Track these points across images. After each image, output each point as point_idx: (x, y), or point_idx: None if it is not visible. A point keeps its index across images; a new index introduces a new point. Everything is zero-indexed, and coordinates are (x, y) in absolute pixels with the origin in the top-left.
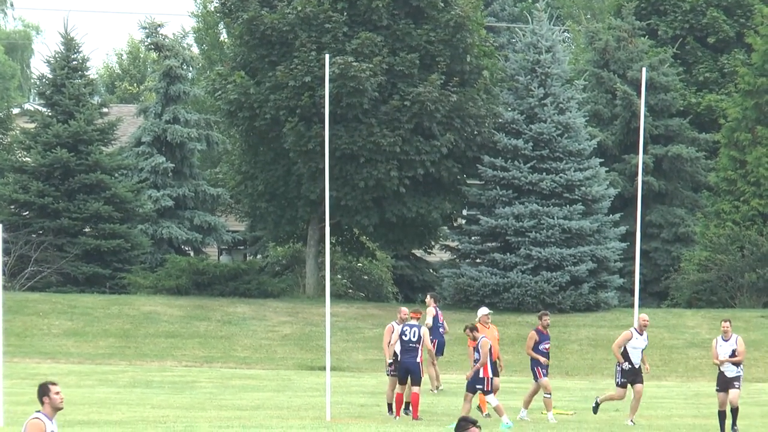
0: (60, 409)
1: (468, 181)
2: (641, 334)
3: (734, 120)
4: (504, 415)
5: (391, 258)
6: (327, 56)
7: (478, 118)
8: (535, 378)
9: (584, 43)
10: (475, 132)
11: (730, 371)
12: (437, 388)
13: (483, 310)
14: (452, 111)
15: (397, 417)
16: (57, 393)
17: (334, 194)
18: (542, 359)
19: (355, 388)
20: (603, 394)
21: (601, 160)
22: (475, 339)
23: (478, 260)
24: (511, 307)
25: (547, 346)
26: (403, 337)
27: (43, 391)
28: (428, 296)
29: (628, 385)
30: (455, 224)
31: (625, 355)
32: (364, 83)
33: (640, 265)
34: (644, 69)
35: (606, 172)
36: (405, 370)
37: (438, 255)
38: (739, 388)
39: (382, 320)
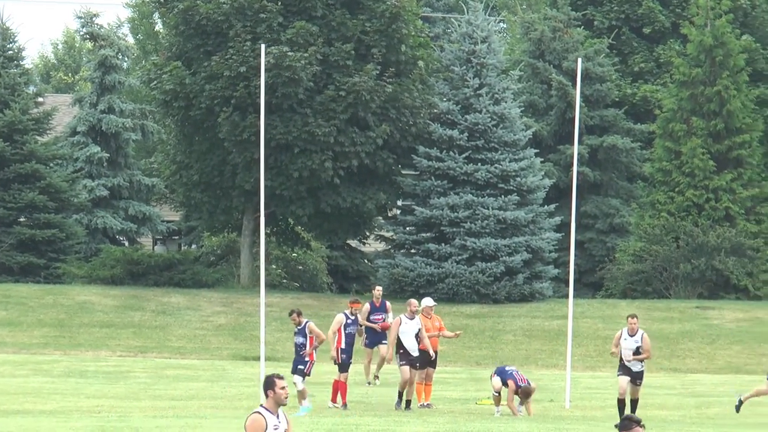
0: (284, 404)
1: (403, 172)
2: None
3: (669, 110)
4: (305, 400)
5: (325, 248)
6: (262, 46)
7: (414, 109)
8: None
9: (520, 34)
10: (411, 122)
11: (634, 366)
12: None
13: (427, 301)
14: (387, 101)
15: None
16: (282, 387)
17: (268, 184)
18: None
19: (289, 378)
20: (747, 393)
21: (536, 150)
22: (299, 324)
23: (412, 250)
24: (445, 297)
25: None
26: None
27: (269, 384)
28: (377, 288)
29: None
30: (390, 214)
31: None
32: (299, 73)
33: (575, 255)
34: (579, 59)
35: (541, 162)
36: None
37: (373, 245)
38: (640, 385)
39: (316, 310)
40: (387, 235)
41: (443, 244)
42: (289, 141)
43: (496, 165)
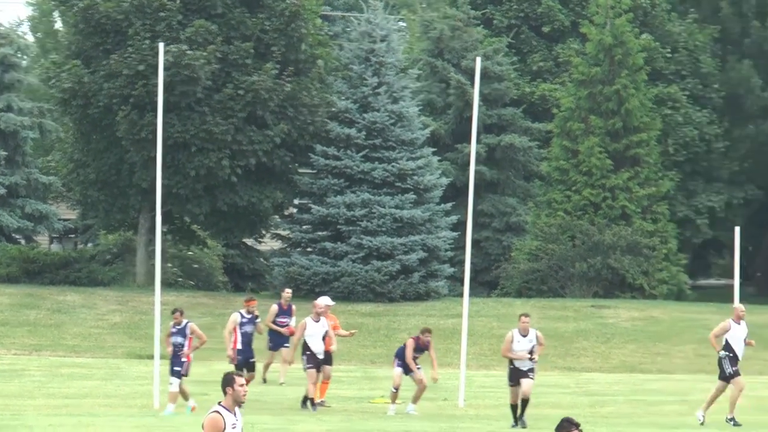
0: (242, 402)
1: (300, 170)
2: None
3: (567, 109)
4: (171, 404)
5: (221, 246)
6: (161, 45)
7: (312, 108)
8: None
9: (419, 33)
10: (308, 121)
11: (524, 364)
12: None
13: (325, 300)
14: (286, 100)
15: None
16: (241, 385)
17: (165, 183)
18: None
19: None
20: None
21: (434, 149)
22: (180, 323)
23: (308, 249)
24: (341, 296)
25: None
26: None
27: (227, 381)
28: (287, 291)
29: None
30: (286, 213)
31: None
32: (198, 72)
33: (471, 254)
34: (478, 58)
35: (438, 161)
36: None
37: (269, 244)
38: (533, 378)
39: (211, 309)
40: (283, 233)
41: (339, 243)
42: (186, 139)
43: (393, 164)
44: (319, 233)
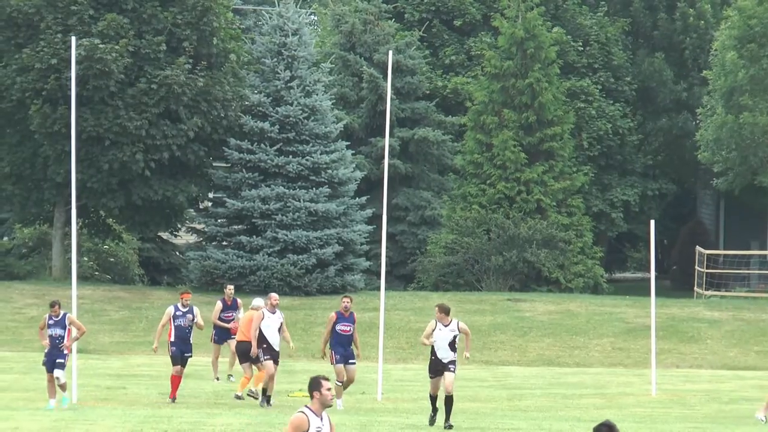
0: (329, 406)
1: (214, 164)
2: None
3: (481, 103)
4: (65, 392)
5: (137, 240)
6: (73, 38)
7: (225, 102)
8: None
9: (331, 26)
10: (222, 115)
11: (446, 357)
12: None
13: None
14: (199, 95)
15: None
16: (328, 389)
17: (80, 176)
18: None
19: (101, 370)
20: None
21: (348, 143)
22: (57, 315)
23: (224, 243)
24: (257, 289)
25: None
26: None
27: (315, 385)
28: (229, 287)
29: None
30: (201, 207)
31: None
32: (111, 66)
33: (387, 248)
34: (390, 52)
35: (352, 155)
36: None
37: (184, 237)
38: (454, 371)
39: (127, 302)
40: (198, 227)
41: (255, 237)
42: (100, 133)
43: (307, 157)
44: (235, 227)
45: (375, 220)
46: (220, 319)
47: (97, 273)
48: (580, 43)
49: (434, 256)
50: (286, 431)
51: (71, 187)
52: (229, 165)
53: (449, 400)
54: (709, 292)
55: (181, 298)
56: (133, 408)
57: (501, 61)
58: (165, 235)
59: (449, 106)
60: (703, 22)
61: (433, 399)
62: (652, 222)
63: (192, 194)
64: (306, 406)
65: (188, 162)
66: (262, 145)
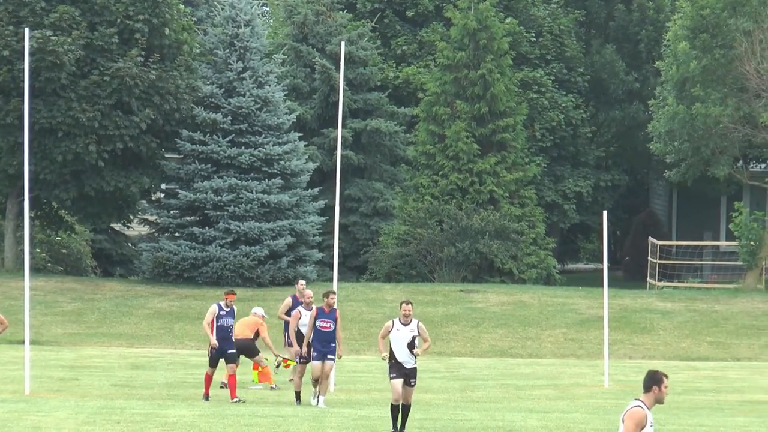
0: (662, 404)
1: (167, 156)
2: None
3: (433, 94)
4: None
5: (89, 232)
6: (26, 30)
7: (178, 94)
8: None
9: (283, 17)
10: (174, 107)
11: (407, 362)
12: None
13: (257, 310)
14: (151, 86)
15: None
16: (666, 387)
17: (32, 168)
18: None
19: (53, 362)
20: None
21: (300, 134)
22: None
23: (176, 234)
24: (209, 281)
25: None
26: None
27: (656, 380)
28: (300, 283)
29: None
30: (154, 198)
31: None
32: (63, 58)
33: (339, 239)
34: (343, 43)
35: (305, 146)
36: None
37: (137, 229)
38: (414, 386)
39: (80, 294)
40: (151, 218)
41: (207, 228)
42: (53, 125)
43: (259, 148)
44: (187, 218)
45: (327, 211)
46: (287, 315)
47: (49, 264)
48: (533, 34)
49: (387, 247)
50: (627, 427)
51: (24, 179)
52: (181, 156)
53: (406, 410)
54: (662, 283)
55: (226, 298)
56: (86, 399)
57: (453, 52)
58: (117, 227)
59: (401, 97)
60: (662, 15)
61: (395, 410)
62: (605, 213)
63: (144, 186)
64: (640, 400)
65: (141, 153)
66: (215, 137)
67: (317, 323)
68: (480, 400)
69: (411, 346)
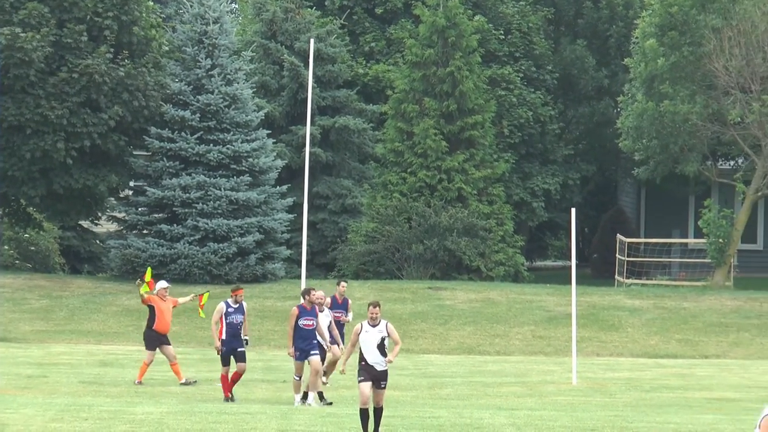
0: None
1: (135, 153)
2: None
3: (402, 91)
4: None
5: (58, 229)
6: None
7: (146, 91)
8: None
9: (252, 14)
10: (143, 104)
11: (378, 364)
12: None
13: (161, 284)
14: (120, 84)
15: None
16: None
17: (1, 165)
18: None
19: (22, 359)
20: None
21: (269, 131)
22: None
23: (144, 231)
24: (178, 278)
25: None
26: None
27: None
28: (342, 285)
29: None
30: (122, 195)
31: None
32: (32, 55)
33: (307, 236)
34: (312, 40)
35: (273, 143)
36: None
37: (105, 226)
38: (384, 388)
39: (48, 291)
40: (119, 216)
41: (175, 225)
42: (21, 122)
43: (228, 146)
44: (155, 215)
45: (296, 208)
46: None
47: (17, 262)
48: (502, 32)
49: (355, 244)
50: None
51: None
52: (149, 154)
53: (379, 411)
54: (630, 281)
55: (233, 295)
56: (54, 396)
57: (422, 50)
58: (86, 224)
59: (370, 94)
60: (632, 12)
61: (365, 415)
62: (573, 210)
63: (113, 183)
64: None
65: (109, 151)
66: (183, 134)
67: (300, 321)
68: (448, 398)
69: (381, 347)
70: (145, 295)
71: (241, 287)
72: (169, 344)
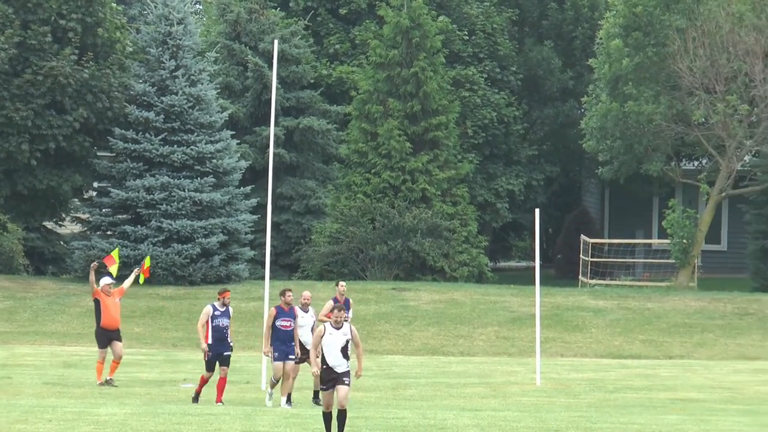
0: None
1: (99, 154)
2: None
3: (365, 92)
4: None
5: (22, 230)
6: None
7: (110, 92)
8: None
9: (216, 15)
10: (107, 106)
11: (340, 366)
12: None
13: (105, 280)
14: (84, 85)
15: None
16: None
17: None
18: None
19: None
20: None
21: (233, 132)
22: None
23: (108, 232)
24: None
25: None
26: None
27: None
28: (341, 284)
29: None
30: (86, 196)
31: None
32: None
33: (271, 237)
34: (276, 41)
35: (237, 144)
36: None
37: (69, 227)
38: (348, 384)
39: (12, 292)
40: (83, 217)
41: (139, 226)
42: None
43: (192, 147)
44: (119, 216)
45: (260, 209)
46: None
47: None
48: (466, 33)
49: (319, 245)
50: None
51: None
52: (114, 155)
53: (342, 415)
54: (594, 281)
55: (220, 297)
56: (18, 398)
57: (386, 50)
58: (50, 225)
59: (334, 95)
60: (597, 13)
61: (328, 418)
62: (537, 211)
63: (77, 184)
64: None
65: (74, 152)
66: (147, 135)
67: (277, 323)
68: (412, 399)
69: (344, 350)
70: (95, 287)
71: (228, 290)
72: (120, 341)
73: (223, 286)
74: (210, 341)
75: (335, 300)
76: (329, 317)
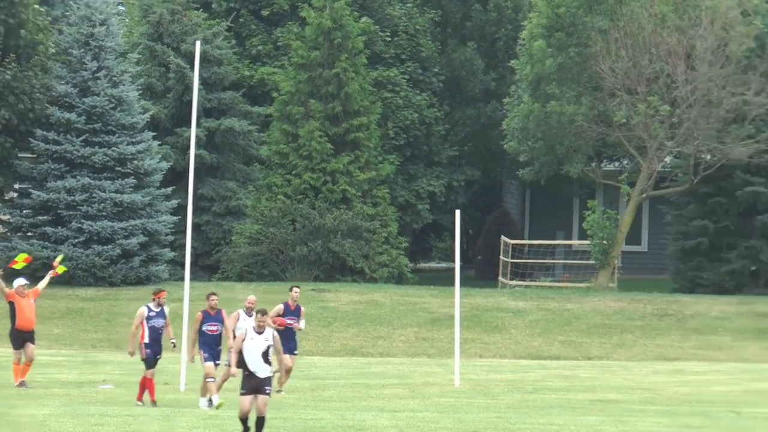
0: None
1: (20, 155)
2: None
3: (287, 93)
4: None
5: None
6: None
7: (32, 93)
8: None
9: (139, 16)
10: (29, 107)
11: (262, 371)
12: None
13: (19, 281)
14: (6, 87)
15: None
16: None
17: None
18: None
19: None
20: None
21: (154, 133)
22: None
23: (29, 234)
24: (61, 280)
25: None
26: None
27: None
28: (295, 290)
29: None
30: (7, 198)
31: None
32: None
33: (192, 238)
34: (198, 42)
35: (159, 145)
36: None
37: None
38: (269, 393)
39: None
40: (4, 218)
41: (60, 227)
42: None
43: (113, 148)
44: (40, 218)
45: (180, 210)
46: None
47: None
48: (388, 34)
49: (239, 246)
50: None
51: None
52: (35, 156)
53: (261, 422)
54: (514, 282)
55: (155, 298)
56: None
57: (308, 51)
58: None
59: (256, 96)
60: (520, 15)
61: (244, 422)
62: (458, 212)
63: None
64: None
65: None
66: (69, 136)
67: (204, 327)
68: (331, 399)
69: (265, 355)
70: (7, 290)
71: (163, 290)
72: (33, 343)
73: (157, 286)
74: (146, 340)
75: (286, 305)
76: (276, 321)
